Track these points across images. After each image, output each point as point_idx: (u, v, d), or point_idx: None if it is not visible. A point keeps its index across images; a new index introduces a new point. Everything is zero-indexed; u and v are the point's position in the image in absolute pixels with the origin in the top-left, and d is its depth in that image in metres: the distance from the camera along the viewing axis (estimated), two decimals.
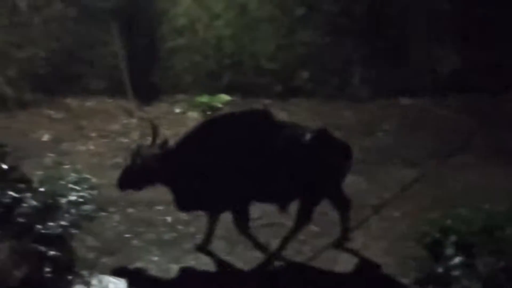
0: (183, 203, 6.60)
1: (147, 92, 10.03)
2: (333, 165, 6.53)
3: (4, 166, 4.88)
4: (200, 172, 6.40)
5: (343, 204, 6.73)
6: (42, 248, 4.97)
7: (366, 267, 6.56)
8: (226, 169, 6.36)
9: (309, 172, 6.44)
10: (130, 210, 7.38)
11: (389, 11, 10.50)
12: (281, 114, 9.68)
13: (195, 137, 6.54)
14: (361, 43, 10.41)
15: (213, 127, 6.62)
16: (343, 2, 10.44)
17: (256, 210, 6.91)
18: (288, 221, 6.77)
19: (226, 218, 6.85)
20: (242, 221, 6.61)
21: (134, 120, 9.48)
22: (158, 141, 6.50)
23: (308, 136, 6.48)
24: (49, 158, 8.24)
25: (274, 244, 6.70)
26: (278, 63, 10.29)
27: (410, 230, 6.82)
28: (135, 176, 6.54)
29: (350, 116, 9.80)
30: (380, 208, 7.35)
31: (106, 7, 10.14)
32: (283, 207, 6.60)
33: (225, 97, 9.87)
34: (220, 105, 9.73)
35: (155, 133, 6.52)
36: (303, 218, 6.58)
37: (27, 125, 9.25)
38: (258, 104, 9.87)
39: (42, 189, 5.26)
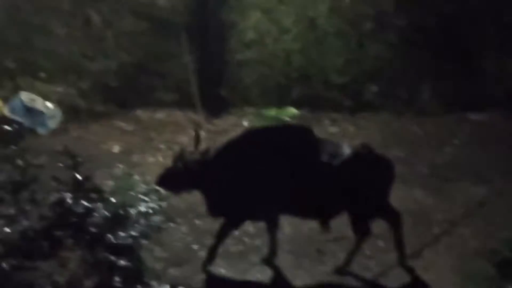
0: (216, 209, 6.64)
1: (216, 104, 10.10)
2: (374, 180, 6.50)
3: (78, 177, 4.97)
4: (236, 181, 6.43)
5: (391, 218, 6.67)
6: (113, 258, 5.03)
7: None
8: (261, 180, 6.38)
9: (349, 188, 6.42)
10: (197, 221, 7.41)
11: (459, 24, 10.38)
12: (350, 128, 9.67)
13: (235, 146, 6.59)
14: (431, 57, 10.30)
15: (253, 138, 6.67)
16: (412, 16, 10.36)
17: None
18: None
19: (293, 232, 6.85)
20: (230, 229, 6.65)
21: (202, 132, 9.54)
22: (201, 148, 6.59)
23: (347, 152, 6.48)
24: (119, 169, 8.34)
25: (342, 258, 6.67)
26: (347, 77, 10.24)
27: (480, 248, 6.71)
28: (174, 178, 6.62)
29: (419, 130, 9.70)
30: (453, 225, 7.26)
31: (177, 20, 10.27)
32: (324, 223, 6.58)
33: (293, 111, 9.86)
34: (288, 119, 9.74)
35: (197, 138, 6.60)
36: (360, 232, 6.56)
37: (98, 137, 9.37)
38: (327, 118, 9.85)
39: (113, 200, 5.33)
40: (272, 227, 6.72)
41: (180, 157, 6.57)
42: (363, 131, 9.47)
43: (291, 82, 10.29)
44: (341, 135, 9.38)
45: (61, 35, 9.87)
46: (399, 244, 6.67)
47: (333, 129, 9.63)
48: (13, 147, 4.84)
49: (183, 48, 10.08)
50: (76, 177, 4.98)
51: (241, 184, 6.43)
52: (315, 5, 10.39)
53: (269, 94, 10.29)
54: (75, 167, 5.01)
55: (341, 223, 6.66)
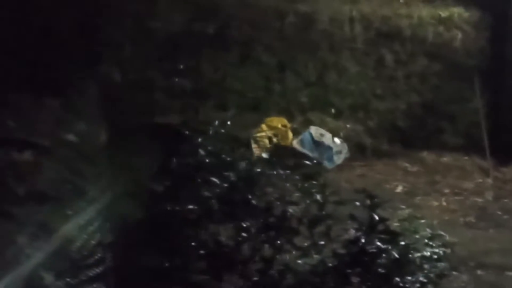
0: None
1: (505, 152, 9.79)
2: None
3: (375, 217, 5.01)
4: None
5: None
6: None
7: None
8: None
9: None
10: (479, 272, 7.20)
11: None
12: None
13: None
14: None
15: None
16: None
17: None
18: None
19: None
20: None
21: (489, 180, 9.30)
22: None
23: None
24: (402, 210, 8.30)
25: None
26: None
27: None
28: None
29: None
30: None
31: (470, 63, 10.13)
32: None
33: None
34: None
35: None
36: None
37: (382, 175, 9.43)
38: None
39: (402, 242, 5.30)
40: None
41: None
42: None
43: None
44: None
45: (353, 73, 10.09)
46: None
47: None
48: (313, 182, 4.98)
49: (475, 92, 9.92)
50: (373, 217, 5.03)
51: None
52: None
53: None
54: (373, 208, 5.06)
55: None
